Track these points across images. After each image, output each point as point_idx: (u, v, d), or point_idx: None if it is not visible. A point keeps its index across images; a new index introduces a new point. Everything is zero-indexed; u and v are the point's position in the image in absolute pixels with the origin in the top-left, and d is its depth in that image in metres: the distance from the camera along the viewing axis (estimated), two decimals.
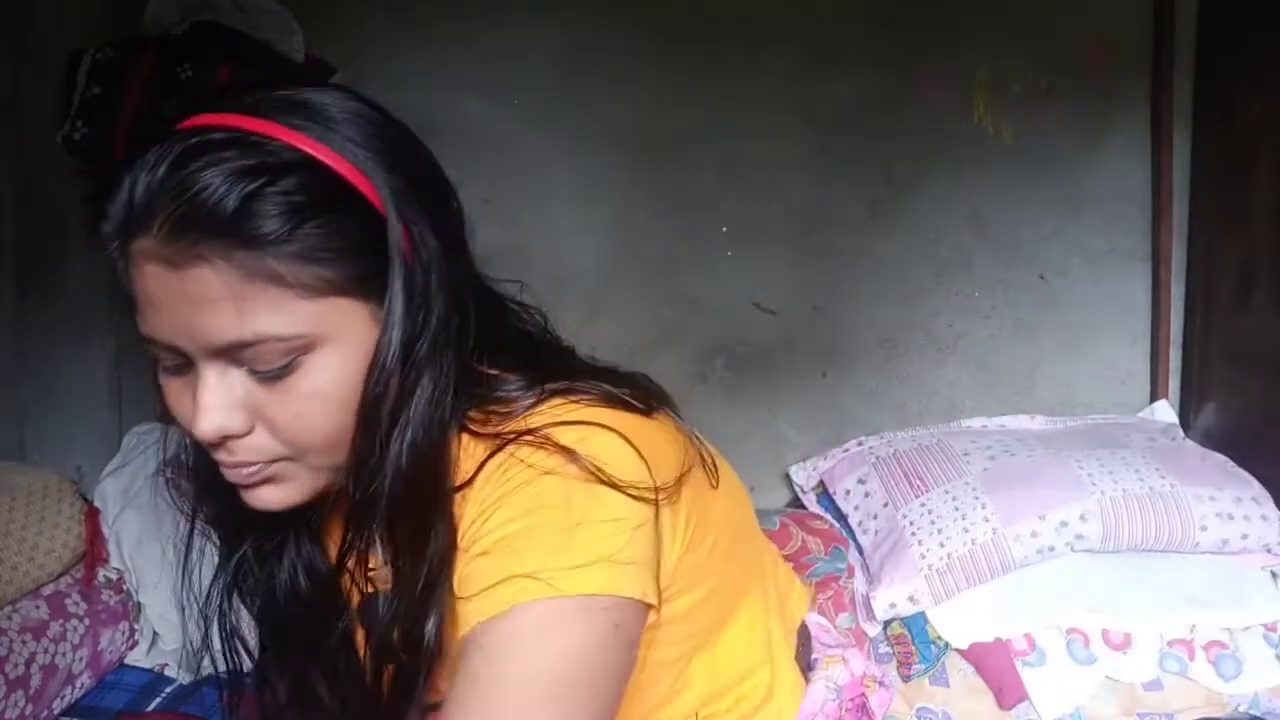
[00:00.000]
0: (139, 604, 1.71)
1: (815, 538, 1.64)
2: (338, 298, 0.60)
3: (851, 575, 1.61)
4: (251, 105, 0.60)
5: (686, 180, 2.02)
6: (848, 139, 2.01)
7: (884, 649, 1.50)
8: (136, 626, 1.68)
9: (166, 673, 1.64)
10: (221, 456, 0.63)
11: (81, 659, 1.53)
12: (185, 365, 0.62)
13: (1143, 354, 1.98)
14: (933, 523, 1.55)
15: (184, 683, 1.62)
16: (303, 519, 0.74)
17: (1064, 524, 1.49)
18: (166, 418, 0.68)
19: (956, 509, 1.55)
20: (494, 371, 0.69)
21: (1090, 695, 1.41)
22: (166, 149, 0.57)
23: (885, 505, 1.65)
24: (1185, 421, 1.88)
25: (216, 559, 0.80)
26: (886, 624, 1.54)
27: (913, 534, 1.55)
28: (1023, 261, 2.00)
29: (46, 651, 1.46)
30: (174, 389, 0.64)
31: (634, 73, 1.99)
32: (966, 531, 1.51)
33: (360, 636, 0.76)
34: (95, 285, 1.89)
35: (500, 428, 0.65)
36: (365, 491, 0.63)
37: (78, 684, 1.53)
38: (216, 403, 0.60)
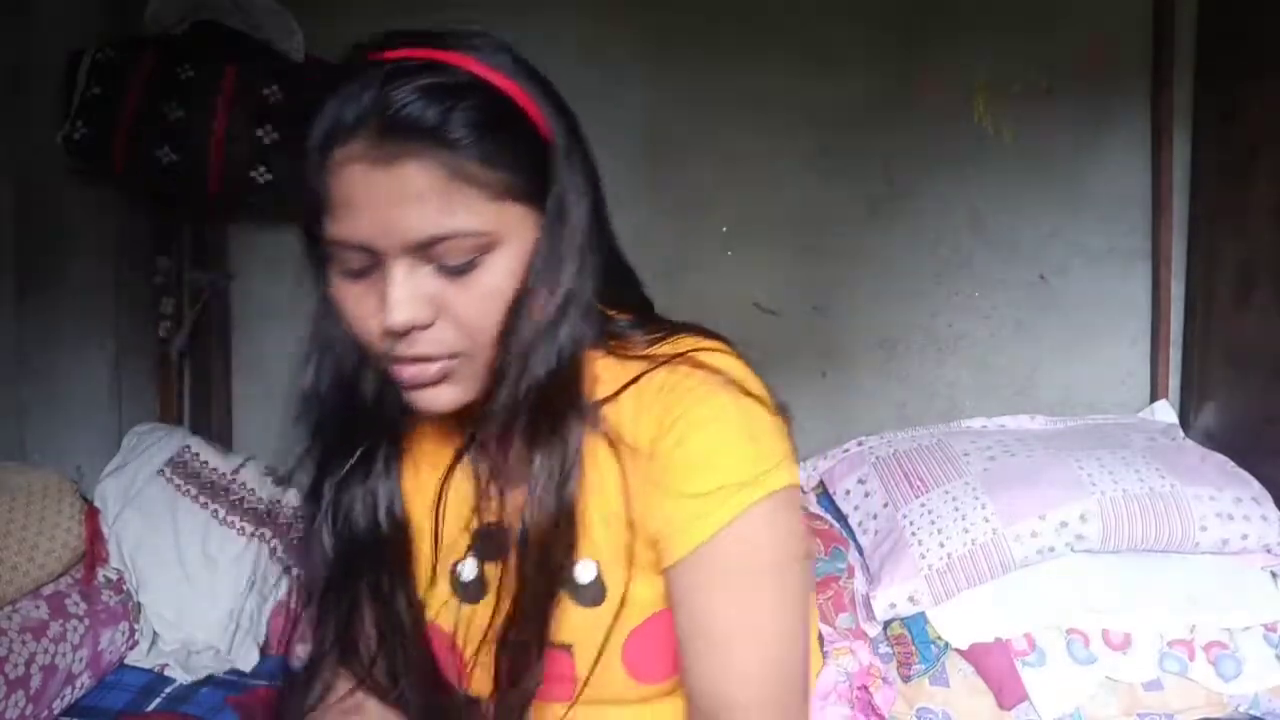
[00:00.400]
0: (139, 604, 1.71)
1: (815, 538, 1.64)
2: (514, 203, 0.67)
3: (851, 575, 1.61)
4: (438, 39, 0.69)
5: (686, 180, 2.02)
6: (848, 139, 2.01)
7: (884, 649, 1.50)
8: (136, 626, 1.68)
9: (166, 673, 1.64)
10: (402, 350, 0.68)
11: (81, 659, 1.53)
12: (369, 268, 0.67)
13: (1143, 354, 1.98)
14: (933, 523, 1.55)
15: (184, 682, 1.62)
16: (393, 460, 0.79)
17: (1064, 524, 1.49)
18: (321, 340, 0.76)
19: (956, 509, 1.55)
20: (613, 312, 0.78)
21: (1090, 695, 1.41)
22: (369, 73, 0.65)
23: (885, 505, 1.65)
24: (1185, 421, 1.88)
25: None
26: (886, 624, 1.54)
27: (913, 534, 1.55)
28: (1023, 261, 2.00)
29: (46, 651, 1.46)
30: (353, 293, 0.69)
31: (635, 73, 1.99)
32: (966, 532, 1.51)
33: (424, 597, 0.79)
34: (95, 285, 1.89)
35: (648, 352, 0.75)
36: (516, 384, 0.70)
37: (78, 684, 1.53)
38: (407, 295, 0.66)
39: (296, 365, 0.80)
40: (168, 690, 1.60)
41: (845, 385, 2.03)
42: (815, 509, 1.82)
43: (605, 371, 0.75)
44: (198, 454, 1.89)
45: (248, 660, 1.69)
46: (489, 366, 0.70)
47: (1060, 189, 1.98)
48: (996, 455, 1.65)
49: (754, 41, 1.98)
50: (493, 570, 0.78)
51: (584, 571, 0.74)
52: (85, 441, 1.88)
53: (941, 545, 1.51)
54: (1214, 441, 1.74)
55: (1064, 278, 1.99)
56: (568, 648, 0.76)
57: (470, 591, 0.79)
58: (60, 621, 1.52)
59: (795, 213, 2.03)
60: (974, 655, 1.45)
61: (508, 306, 0.68)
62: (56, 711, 1.49)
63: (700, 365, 0.73)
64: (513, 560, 0.75)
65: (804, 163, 2.03)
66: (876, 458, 1.77)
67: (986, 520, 1.51)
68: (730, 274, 2.02)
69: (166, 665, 1.65)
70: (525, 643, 0.74)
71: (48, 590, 1.57)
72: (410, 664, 0.79)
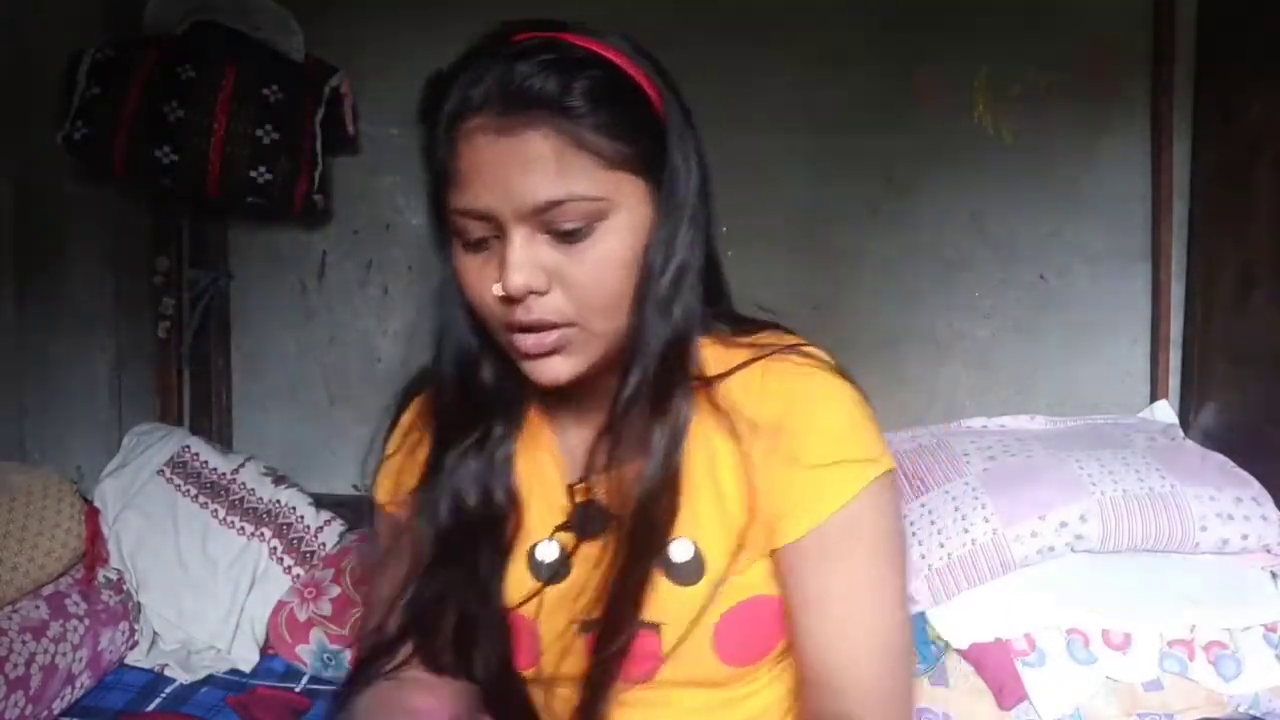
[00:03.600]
0: (139, 604, 1.71)
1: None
2: (627, 173, 0.70)
3: None
4: (558, 25, 0.73)
5: None
6: (848, 139, 2.01)
7: None
8: (136, 626, 1.68)
9: (166, 673, 1.64)
10: (519, 316, 0.70)
11: (81, 659, 1.53)
12: (488, 240, 0.71)
13: (1143, 354, 1.98)
14: (933, 523, 1.55)
15: (184, 682, 1.62)
16: (508, 439, 0.82)
17: (1064, 524, 1.49)
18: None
19: (956, 509, 1.55)
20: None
21: (1090, 695, 1.41)
22: (493, 52, 0.70)
23: None
24: (1185, 421, 1.88)
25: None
26: None
27: (913, 534, 1.55)
28: (1023, 261, 2.00)
29: (46, 651, 1.46)
30: (474, 265, 0.72)
31: None
32: (966, 532, 1.51)
33: (518, 586, 0.80)
34: (95, 285, 1.89)
35: (751, 339, 0.80)
36: (643, 360, 0.73)
37: (78, 684, 1.53)
38: (525, 260, 0.69)
39: (413, 338, 0.84)
40: (168, 690, 1.60)
41: None
42: None
43: (711, 355, 0.79)
44: (197, 454, 1.89)
45: (248, 660, 1.69)
46: (603, 338, 0.73)
47: (1060, 189, 1.98)
48: (996, 455, 1.65)
49: (754, 41, 1.98)
50: (580, 552, 0.79)
51: (680, 550, 0.75)
52: (85, 441, 1.88)
53: (941, 545, 1.51)
54: (1214, 441, 1.74)
55: (1064, 278, 1.99)
56: (655, 626, 0.76)
57: (552, 572, 0.80)
58: (60, 621, 1.52)
59: (795, 213, 2.03)
60: (974, 655, 1.45)
61: (624, 278, 0.71)
62: (56, 711, 1.49)
63: (810, 355, 0.79)
64: (607, 540, 0.77)
65: (804, 163, 2.03)
66: None
67: (986, 520, 1.51)
68: (730, 274, 2.01)
69: (166, 665, 1.65)
70: (615, 620, 0.75)
71: (48, 590, 1.57)
72: (494, 644, 0.80)
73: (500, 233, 0.69)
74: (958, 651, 1.46)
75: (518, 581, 0.80)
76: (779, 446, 0.74)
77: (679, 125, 0.75)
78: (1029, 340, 2.01)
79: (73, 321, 1.84)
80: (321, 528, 1.85)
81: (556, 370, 0.73)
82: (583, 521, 0.79)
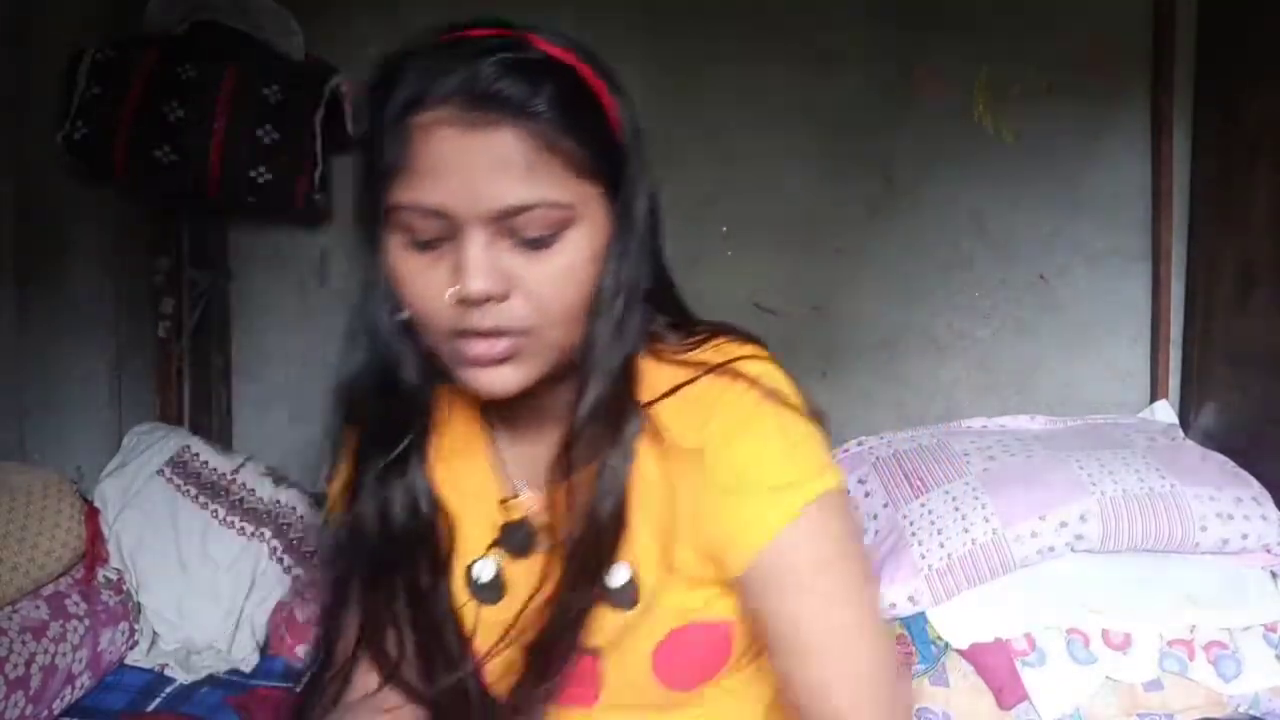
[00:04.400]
0: (139, 604, 1.71)
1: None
2: (590, 183, 0.68)
3: None
4: (510, 25, 0.70)
5: (686, 180, 2.02)
6: (848, 139, 2.01)
7: None
8: (136, 626, 1.68)
9: (166, 673, 1.64)
10: (474, 322, 0.67)
11: (81, 659, 1.53)
12: (438, 240, 0.67)
13: (1143, 354, 1.98)
14: (933, 523, 1.55)
15: (184, 682, 1.62)
16: (422, 452, 0.78)
17: (1064, 524, 1.49)
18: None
19: (956, 509, 1.55)
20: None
21: (1090, 695, 1.41)
22: (454, 48, 0.66)
23: (885, 505, 1.65)
24: (1185, 421, 1.88)
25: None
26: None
27: (913, 534, 1.55)
28: (1023, 261, 2.00)
29: (46, 652, 1.46)
30: (419, 265, 0.68)
31: (634, 73, 1.98)
32: (966, 532, 1.51)
33: (459, 590, 0.79)
34: (95, 285, 1.89)
35: (687, 357, 0.76)
36: (593, 373, 0.71)
37: (78, 684, 1.53)
38: (486, 264, 0.65)
39: (341, 354, 0.79)
40: (168, 690, 1.60)
41: (845, 385, 2.03)
42: None
43: (646, 373, 0.75)
44: (198, 454, 1.89)
45: (248, 660, 1.69)
46: (554, 349, 0.70)
47: (1060, 189, 1.98)
48: (996, 455, 1.65)
49: (754, 41, 1.98)
50: (513, 570, 0.77)
51: (617, 575, 0.73)
52: (85, 441, 1.88)
53: (941, 545, 1.51)
54: (1214, 441, 1.74)
55: (1064, 278, 1.99)
56: (594, 651, 0.75)
57: (488, 592, 0.78)
58: (60, 621, 1.52)
59: (795, 213, 2.03)
60: (974, 655, 1.45)
61: (582, 289, 0.69)
62: (56, 711, 1.49)
63: (740, 376, 0.73)
64: (539, 560, 0.75)
65: (804, 163, 2.03)
66: (876, 458, 1.77)
67: (986, 520, 1.51)
68: (730, 274, 2.02)
69: (166, 665, 1.65)
70: (555, 645, 0.73)
71: (48, 590, 1.57)
72: (449, 660, 0.77)
73: (453, 233, 0.66)
74: (958, 651, 1.46)
75: (456, 599, 0.79)
76: (707, 475, 0.72)
77: (634, 141, 0.72)
78: (1029, 340, 2.01)
79: (73, 321, 1.84)
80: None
81: (505, 380, 0.69)
82: (514, 540, 0.77)
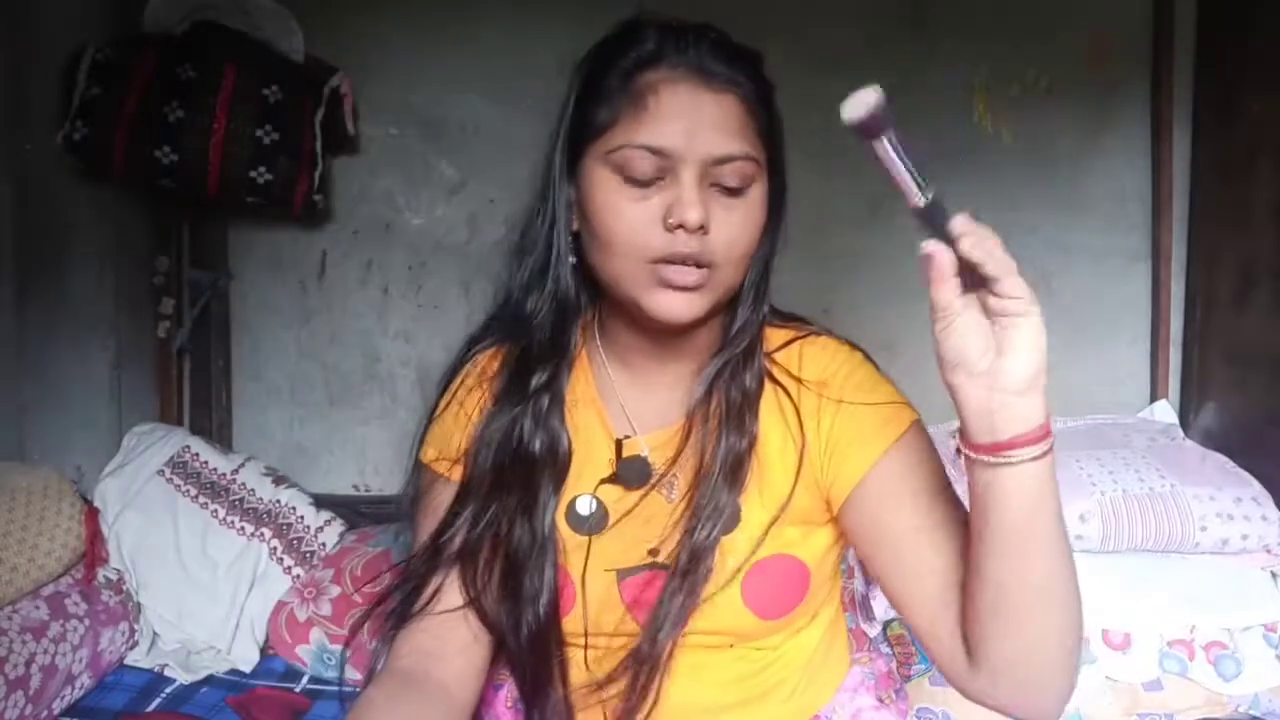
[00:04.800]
0: (139, 604, 1.71)
1: None
2: (769, 153, 0.84)
3: (851, 576, 1.61)
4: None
5: None
6: (848, 139, 2.00)
7: (883, 650, 1.50)
8: (136, 626, 1.68)
9: (166, 673, 1.64)
10: (681, 247, 0.77)
11: (81, 659, 1.53)
12: (653, 179, 0.77)
13: (1143, 354, 1.98)
14: None
15: (184, 683, 1.62)
16: (561, 386, 0.88)
17: None
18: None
19: None
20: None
21: (1090, 695, 1.41)
22: (669, 25, 0.82)
23: None
24: (1185, 421, 1.88)
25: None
26: (886, 624, 1.53)
27: None
28: (1023, 261, 1.99)
29: (46, 652, 1.46)
30: (634, 196, 0.78)
31: None
32: None
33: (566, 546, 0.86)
34: (95, 285, 1.89)
35: (795, 326, 0.92)
36: (735, 331, 0.85)
37: (78, 684, 1.53)
38: (699, 199, 0.77)
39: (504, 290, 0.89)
40: (168, 690, 1.60)
41: None
42: None
43: (766, 334, 0.89)
44: (198, 454, 1.88)
45: (248, 660, 1.69)
46: (726, 289, 0.82)
47: (1060, 189, 1.98)
48: None
49: (754, 41, 1.97)
50: (620, 504, 0.85)
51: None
52: (85, 441, 1.88)
53: None
54: (1214, 441, 1.74)
55: (1064, 278, 1.99)
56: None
57: (591, 523, 0.85)
58: (60, 621, 1.52)
59: (795, 213, 2.02)
60: None
61: (755, 239, 0.82)
62: (56, 711, 1.49)
63: (843, 341, 0.92)
64: (650, 495, 0.84)
65: (804, 163, 2.02)
66: None
67: None
68: None
69: (166, 665, 1.65)
70: (689, 573, 0.80)
71: (48, 590, 1.57)
72: (542, 584, 0.83)
73: (667, 174, 0.77)
74: None
75: (560, 529, 0.86)
76: (826, 395, 0.84)
77: (781, 130, 0.86)
78: None
79: (73, 321, 1.84)
80: (321, 528, 1.85)
81: (692, 305, 0.79)
82: (630, 472, 0.86)
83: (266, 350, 2.18)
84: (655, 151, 0.76)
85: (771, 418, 0.85)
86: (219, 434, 2.16)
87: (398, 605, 0.85)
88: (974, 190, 2.00)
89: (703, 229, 0.76)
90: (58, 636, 1.49)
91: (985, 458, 0.73)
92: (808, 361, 0.87)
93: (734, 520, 0.82)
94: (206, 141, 1.79)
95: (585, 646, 0.84)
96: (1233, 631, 1.45)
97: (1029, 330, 0.72)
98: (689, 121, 0.77)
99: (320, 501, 1.91)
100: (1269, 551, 1.51)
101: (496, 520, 0.84)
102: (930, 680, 1.45)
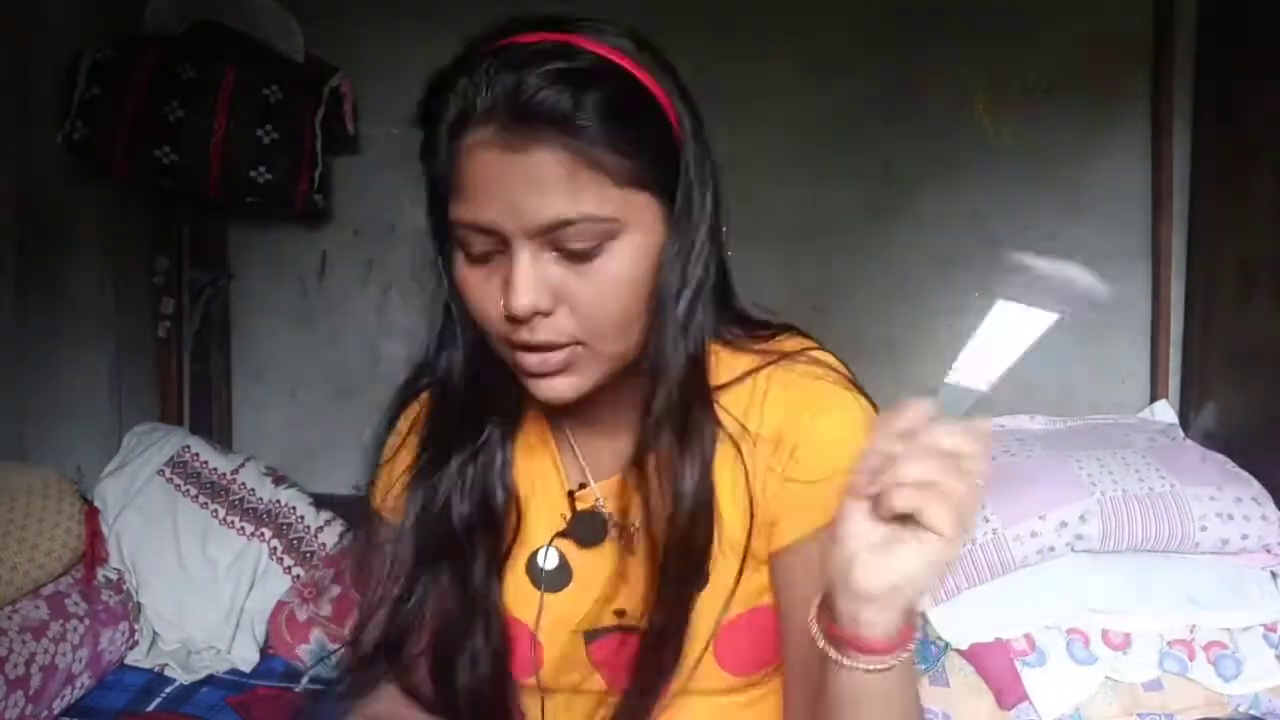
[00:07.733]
0: (139, 604, 1.71)
1: None
2: (640, 191, 0.68)
3: None
4: (565, 25, 0.69)
5: None
6: (848, 139, 2.01)
7: None
8: (136, 626, 1.68)
9: (166, 673, 1.64)
10: (524, 337, 0.68)
11: (81, 659, 1.53)
12: (492, 253, 0.68)
13: (1143, 354, 1.98)
14: None
15: (184, 683, 1.62)
16: (507, 441, 0.80)
17: (1064, 524, 1.49)
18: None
19: None
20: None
21: (1090, 695, 1.41)
22: (500, 57, 0.66)
23: None
24: (1185, 421, 1.88)
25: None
26: None
27: None
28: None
29: (46, 651, 1.46)
30: (477, 277, 0.69)
31: None
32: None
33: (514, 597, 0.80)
34: (95, 285, 1.89)
35: (764, 346, 0.79)
36: (660, 379, 0.72)
37: (78, 684, 1.53)
38: (531, 279, 0.66)
39: (430, 349, 0.81)
40: (167, 690, 1.60)
41: None
42: None
43: (720, 361, 0.77)
44: (198, 454, 1.89)
45: (247, 660, 1.69)
46: (611, 358, 0.71)
47: (1060, 189, 1.97)
48: (996, 455, 1.65)
49: (754, 41, 1.98)
50: (582, 557, 0.79)
51: None
52: (85, 441, 1.88)
53: None
54: (1214, 441, 1.74)
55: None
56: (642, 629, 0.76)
57: (553, 580, 0.79)
58: (60, 621, 1.52)
59: (795, 213, 2.03)
60: (974, 655, 1.45)
61: (634, 297, 0.69)
62: (56, 711, 1.49)
63: (818, 362, 0.77)
64: (609, 550, 0.77)
65: (805, 162, 2.03)
66: None
67: (986, 520, 1.51)
68: (730, 274, 2.01)
69: (166, 665, 1.65)
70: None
71: (48, 590, 1.57)
72: (489, 650, 0.78)
73: (505, 247, 0.67)
74: (958, 651, 1.46)
75: (515, 588, 0.80)
76: (776, 459, 0.74)
77: (692, 138, 0.72)
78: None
79: (73, 321, 1.84)
80: (321, 528, 1.85)
81: (561, 389, 0.70)
82: (584, 529, 0.79)
83: (266, 350, 2.18)
84: (481, 230, 0.67)
85: (726, 461, 0.75)
86: (219, 434, 2.16)
87: (350, 677, 0.81)
88: (974, 190, 2.00)
89: (539, 313, 0.66)
90: (58, 636, 1.49)
91: (819, 638, 0.61)
92: (770, 405, 0.75)
93: (702, 577, 0.75)
94: (207, 141, 1.79)
95: (542, 702, 0.81)
96: (1233, 631, 1.45)
97: (931, 552, 0.58)
98: (501, 191, 0.65)
99: (320, 501, 1.91)
100: (1269, 551, 1.51)
101: (425, 596, 0.78)
102: (930, 680, 1.45)
